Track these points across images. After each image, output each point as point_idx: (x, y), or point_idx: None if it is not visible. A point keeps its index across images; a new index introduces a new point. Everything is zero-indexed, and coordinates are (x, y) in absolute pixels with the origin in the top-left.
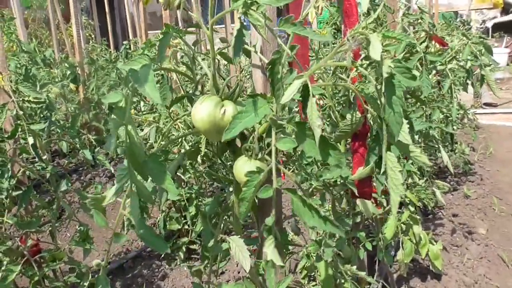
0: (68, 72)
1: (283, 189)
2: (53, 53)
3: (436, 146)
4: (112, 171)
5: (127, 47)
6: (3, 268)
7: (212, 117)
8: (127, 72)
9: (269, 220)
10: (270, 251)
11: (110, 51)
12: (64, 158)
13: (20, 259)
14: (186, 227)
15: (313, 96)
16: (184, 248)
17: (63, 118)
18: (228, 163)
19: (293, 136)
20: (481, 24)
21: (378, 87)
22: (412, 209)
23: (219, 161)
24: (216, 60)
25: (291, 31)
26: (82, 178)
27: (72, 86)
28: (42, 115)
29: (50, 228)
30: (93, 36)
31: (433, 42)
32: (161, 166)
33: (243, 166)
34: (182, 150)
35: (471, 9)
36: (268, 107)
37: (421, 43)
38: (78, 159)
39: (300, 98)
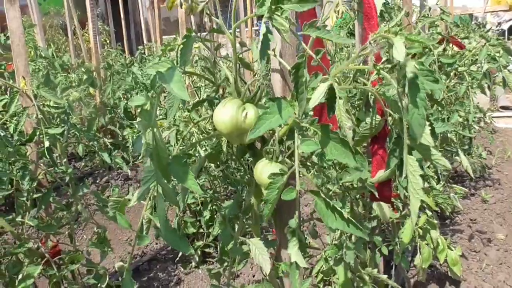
0: (85, 77)
1: (305, 191)
2: (70, 58)
3: (454, 150)
4: (129, 174)
5: (142, 52)
6: (24, 269)
7: (235, 120)
8: (155, 74)
9: (293, 222)
10: (294, 253)
11: (125, 56)
12: (80, 161)
13: (40, 260)
14: (201, 230)
15: (340, 98)
16: (199, 252)
17: (79, 121)
18: (245, 166)
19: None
20: (496, 27)
21: (400, 89)
22: (429, 213)
23: (234, 164)
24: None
25: (315, 35)
26: (97, 181)
27: (91, 90)
28: (59, 118)
29: (68, 231)
30: (108, 41)
31: (451, 45)
32: (184, 168)
33: (264, 169)
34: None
35: (486, 11)
36: (291, 109)
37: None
38: (93, 162)
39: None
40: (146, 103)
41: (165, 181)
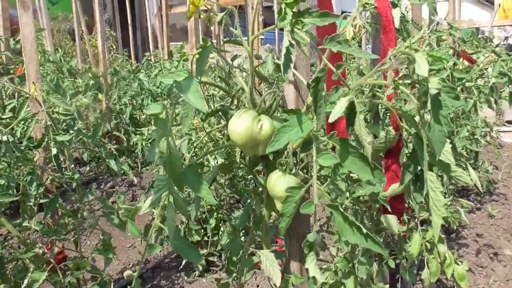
0: (92, 82)
1: (324, 205)
2: (77, 63)
3: (463, 164)
4: (135, 181)
5: (149, 58)
6: (29, 275)
7: (250, 131)
8: (171, 83)
9: (311, 236)
10: (312, 267)
11: (131, 62)
12: (84, 166)
13: (46, 266)
14: (206, 238)
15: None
16: (203, 260)
17: (84, 127)
18: (250, 176)
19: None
20: (503, 41)
21: (420, 106)
22: None
23: (241, 172)
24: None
25: (337, 49)
26: (102, 187)
27: (100, 96)
28: (65, 124)
29: (74, 237)
30: (115, 47)
31: (461, 59)
32: (198, 177)
33: (277, 181)
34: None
35: (493, 26)
36: (310, 123)
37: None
38: (97, 167)
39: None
40: (161, 112)
41: (177, 191)
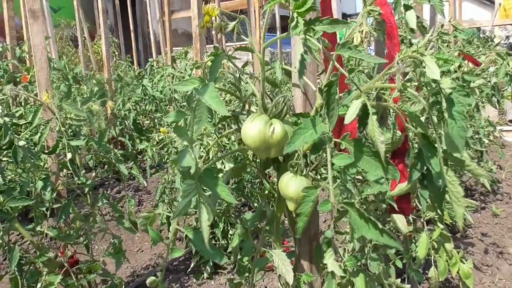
0: (96, 89)
1: (342, 203)
2: (82, 70)
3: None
4: (146, 184)
5: (152, 64)
6: (43, 278)
7: (262, 135)
8: (191, 91)
9: (329, 233)
10: (330, 262)
11: (134, 68)
12: (90, 172)
13: (59, 270)
14: (213, 242)
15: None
16: (211, 263)
17: (89, 132)
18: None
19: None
20: (505, 40)
21: (429, 105)
22: (441, 226)
23: (250, 171)
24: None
25: (347, 54)
26: (108, 192)
27: (110, 103)
28: (71, 130)
29: (85, 241)
30: (117, 53)
31: (466, 62)
32: (215, 180)
33: (289, 182)
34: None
35: (494, 25)
36: (323, 125)
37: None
38: (103, 172)
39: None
40: (179, 120)
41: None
